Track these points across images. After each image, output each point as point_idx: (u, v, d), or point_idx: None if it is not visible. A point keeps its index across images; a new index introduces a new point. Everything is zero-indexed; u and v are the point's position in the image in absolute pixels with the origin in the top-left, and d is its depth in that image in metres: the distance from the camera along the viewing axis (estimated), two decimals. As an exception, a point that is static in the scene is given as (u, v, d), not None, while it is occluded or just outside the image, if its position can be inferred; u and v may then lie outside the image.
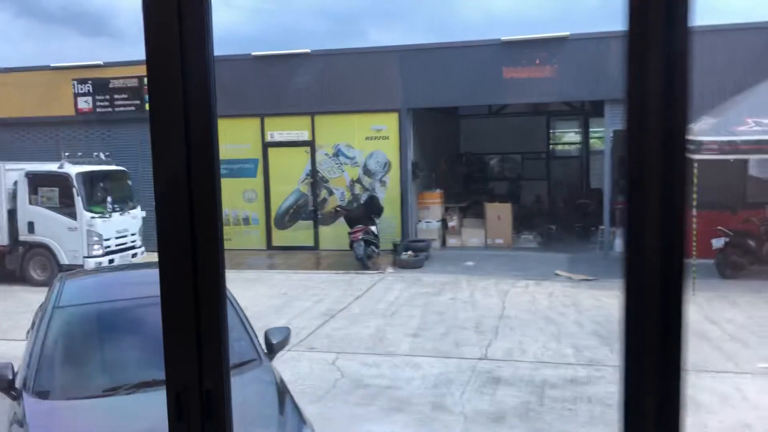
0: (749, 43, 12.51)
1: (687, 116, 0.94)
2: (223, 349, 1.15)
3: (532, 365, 7.25)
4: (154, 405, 3.86)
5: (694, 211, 10.47)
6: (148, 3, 1.10)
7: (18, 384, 4.11)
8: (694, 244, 10.63)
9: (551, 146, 21.25)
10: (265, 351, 4.54)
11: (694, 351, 7.68)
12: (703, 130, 10.81)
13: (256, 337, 4.62)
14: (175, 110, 1.08)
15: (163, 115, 1.09)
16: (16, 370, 4.27)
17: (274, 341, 4.58)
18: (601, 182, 14.82)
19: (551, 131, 21.01)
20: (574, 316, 9.24)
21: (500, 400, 6.32)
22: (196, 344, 1.13)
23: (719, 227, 11.36)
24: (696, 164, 10.38)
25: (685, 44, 0.93)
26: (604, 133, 14.19)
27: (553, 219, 16.85)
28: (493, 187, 19.45)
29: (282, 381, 4.35)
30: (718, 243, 11.39)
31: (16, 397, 4.07)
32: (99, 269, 9.55)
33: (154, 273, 4.51)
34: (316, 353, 7.82)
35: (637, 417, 1.01)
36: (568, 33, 13.05)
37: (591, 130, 20.15)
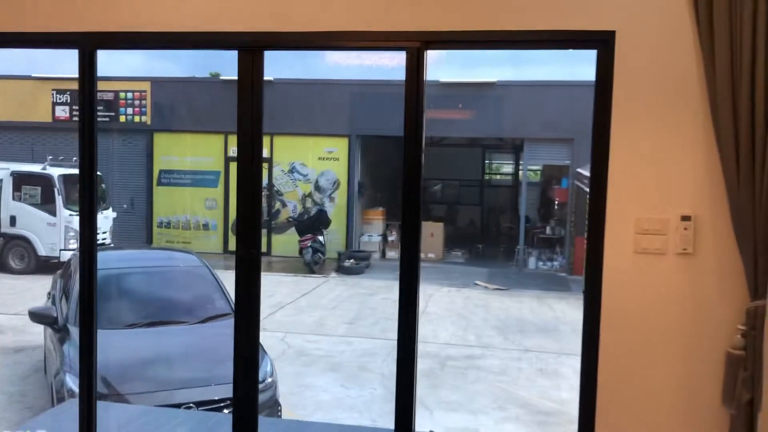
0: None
1: (421, 152, 2.83)
2: (258, 235, 2.98)
3: (440, 346, 9.18)
4: (161, 337, 5.70)
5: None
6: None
7: (61, 321, 5.82)
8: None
9: (486, 176, 23.53)
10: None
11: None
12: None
13: (231, 299, 6.41)
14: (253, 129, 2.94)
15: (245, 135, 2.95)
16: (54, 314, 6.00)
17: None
18: (527, 210, 17.07)
19: (486, 162, 23.28)
20: (482, 315, 11.24)
21: (411, 367, 8.21)
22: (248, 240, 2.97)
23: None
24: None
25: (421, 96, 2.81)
26: (523, 166, 16.45)
27: (482, 239, 18.99)
28: (432, 209, 21.48)
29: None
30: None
31: (60, 329, 5.76)
32: (104, 248, 11.11)
33: (147, 252, 7.02)
34: (268, 332, 9.53)
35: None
36: (495, 79, 15.29)
37: (521, 163, 22.49)
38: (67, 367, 5.18)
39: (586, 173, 13.31)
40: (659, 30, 2.69)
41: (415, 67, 2.88)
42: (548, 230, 16.58)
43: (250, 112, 2.97)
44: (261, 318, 9.66)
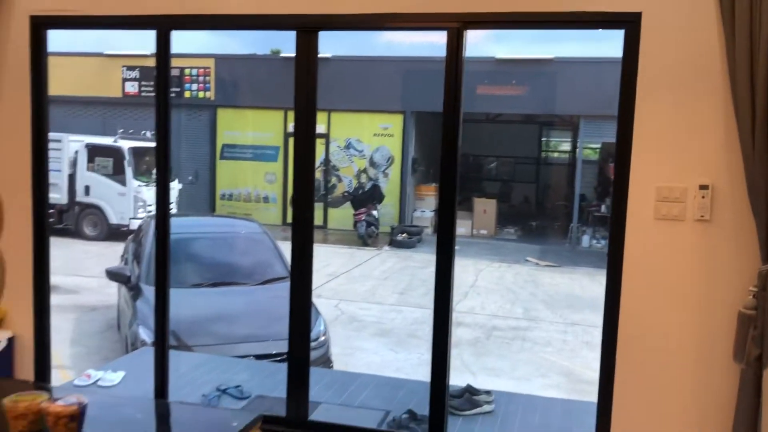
0: None
1: (458, 127, 3.10)
2: (312, 198, 3.33)
3: (488, 317, 9.45)
4: (224, 296, 6.20)
5: None
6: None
7: (133, 280, 6.37)
8: None
9: (543, 153, 23.39)
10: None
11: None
12: None
13: (287, 264, 6.84)
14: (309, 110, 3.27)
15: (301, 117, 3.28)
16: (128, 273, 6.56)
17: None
18: (583, 188, 17.02)
19: (543, 139, 23.13)
20: (531, 290, 11.42)
21: (459, 335, 8.51)
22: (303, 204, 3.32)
23: None
24: None
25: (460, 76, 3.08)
26: (579, 143, 16.37)
27: (536, 217, 19.03)
28: (486, 186, 21.58)
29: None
30: None
31: (132, 288, 6.31)
32: (175, 214, 11.83)
33: (212, 219, 7.67)
34: (323, 299, 10.01)
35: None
36: (552, 56, 15.23)
37: (578, 140, 22.25)
38: (140, 320, 5.71)
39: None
40: (682, 11, 2.88)
41: (455, 46, 3.15)
42: (603, 208, 16.49)
43: (305, 88, 3.29)
44: (316, 286, 10.18)
